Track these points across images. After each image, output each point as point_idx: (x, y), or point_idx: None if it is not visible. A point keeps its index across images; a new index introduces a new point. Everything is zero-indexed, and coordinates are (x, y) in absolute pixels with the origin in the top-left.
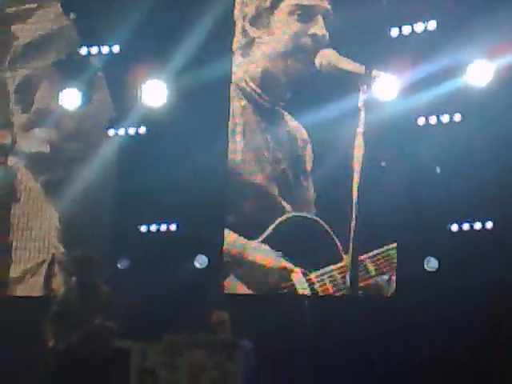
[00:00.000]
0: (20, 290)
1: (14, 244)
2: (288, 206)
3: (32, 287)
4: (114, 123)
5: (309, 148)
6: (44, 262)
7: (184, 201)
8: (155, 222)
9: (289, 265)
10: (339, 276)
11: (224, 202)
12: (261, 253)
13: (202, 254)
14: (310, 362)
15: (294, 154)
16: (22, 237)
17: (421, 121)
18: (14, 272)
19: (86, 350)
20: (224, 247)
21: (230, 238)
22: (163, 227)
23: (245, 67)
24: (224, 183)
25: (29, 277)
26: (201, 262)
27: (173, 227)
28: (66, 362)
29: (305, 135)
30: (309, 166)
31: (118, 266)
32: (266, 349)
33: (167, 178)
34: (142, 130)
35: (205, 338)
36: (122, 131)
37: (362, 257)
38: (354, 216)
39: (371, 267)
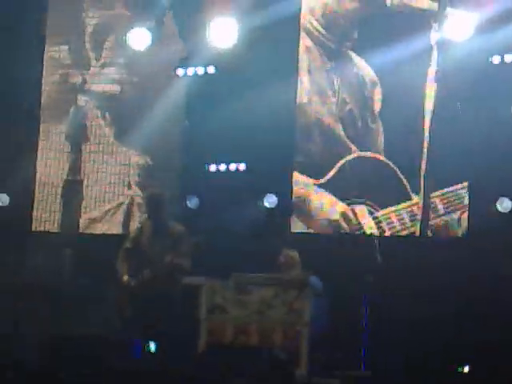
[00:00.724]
0: (99, 229)
1: (85, 183)
2: (354, 147)
3: (110, 227)
4: (183, 63)
5: (377, 89)
6: (122, 203)
7: (253, 140)
8: (224, 162)
9: (355, 204)
10: (407, 215)
11: (292, 142)
12: (327, 192)
13: (272, 193)
14: (378, 302)
15: (362, 95)
16: (95, 176)
17: (495, 59)
18: (90, 211)
19: (157, 287)
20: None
21: (297, 177)
22: (232, 166)
23: (310, 5)
24: (292, 123)
25: (108, 217)
26: (270, 201)
27: (242, 167)
28: (139, 297)
29: (373, 76)
30: (377, 108)
31: (188, 205)
32: (335, 288)
33: (236, 118)
34: (211, 69)
35: (274, 276)
36: (191, 71)
37: (431, 195)
38: (424, 155)
39: (440, 205)
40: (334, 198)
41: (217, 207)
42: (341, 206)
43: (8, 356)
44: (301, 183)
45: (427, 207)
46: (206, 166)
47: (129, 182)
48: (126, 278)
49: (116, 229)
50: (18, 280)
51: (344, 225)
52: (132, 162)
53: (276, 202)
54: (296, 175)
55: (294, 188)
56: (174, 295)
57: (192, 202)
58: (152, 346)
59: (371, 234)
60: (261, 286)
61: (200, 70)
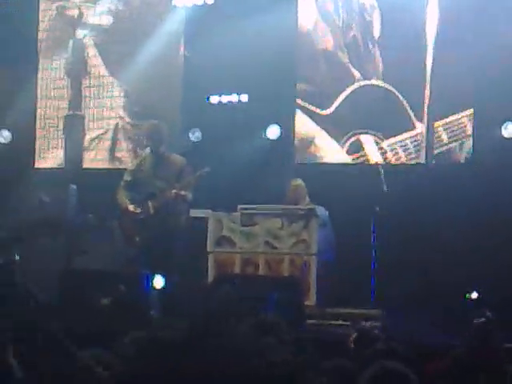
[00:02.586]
0: (88, 160)
1: (86, 117)
2: (358, 74)
3: (97, 154)
4: None
5: (376, 13)
6: (108, 130)
7: (254, 71)
8: (226, 93)
9: (361, 134)
10: (412, 144)
11: (295, 71)
12: (331, 123)
13: (275, 124)
14: (386, 230)
15: (363, 19)
16: (93, 109)
17: None
18: (86, 141)
19: (162, 219)
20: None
21: (302, 106)
22: (234, 98)
23: None
24: (294, 52)
25: (95, 144)
26: (273, 132)
27: (244, 98)
28: (144, 230)
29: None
30: (377, 33)
31: (190, 138)
32: (342, 217)
33: (236, 48)
34: None
35: (280, 207)
36: (189, 1)
37: (435, 124)
38: (428, 82)
39: (444, 135)
40: (339, 128)
41: (219, 139)
42: (348, 135)
43: (14, 291)
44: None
45: (430, 136)
46: (208, 97)
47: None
48: (131, 207)
49: (103, 155)
50: (22, 216)
51: (351, 154)
52: (128, 92)
53: (279, 132)
54: (300, 103)
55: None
56: (180, 227)
57: (194, 135)
58: (160, 281)
59: (376, 163)
60: (267, 218)
61: (199, 0)
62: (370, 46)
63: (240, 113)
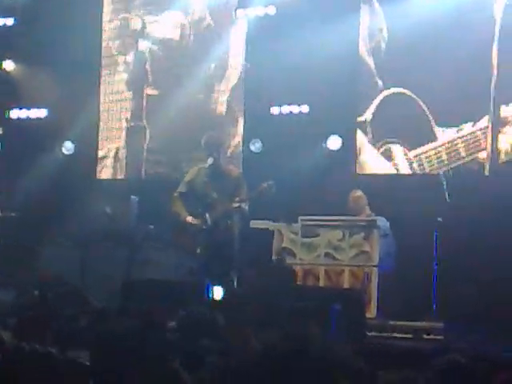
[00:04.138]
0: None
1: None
2: (390, 84)
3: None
4: (242, 4)
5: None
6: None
7: (315, 82)
8: (287, 104)
9: (391, 143)
10: (435, 156)
11: (354, 85)
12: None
13: (335, 134)
14: (448, 241)
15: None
16: (155, 119)
17: None
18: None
19: (222, 230)
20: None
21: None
22: (295, 109)
23: None
24: (355, 62)
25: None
26: (334, 143)
27: (305, 108)
28: (202, 239)
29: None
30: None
31: (251, 148)
32: (402, 228)
33: (297, 59)
34: (272, 10)
35: (341, 219)
36: (251, 12)
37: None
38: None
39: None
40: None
41: (280, 150)
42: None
43: (80, 302)
44: None
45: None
46: (269, 108)
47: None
48: (188, 219)
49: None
50: (84, 228)
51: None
52: (189, 106)
53: (340, 143)
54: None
55: None
56: (240, 239)
57: (255, 146)
58: (219, 291)
59: (438, 174)
60: (328, 229)
61: (260, 11)
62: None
63: (301, 123)
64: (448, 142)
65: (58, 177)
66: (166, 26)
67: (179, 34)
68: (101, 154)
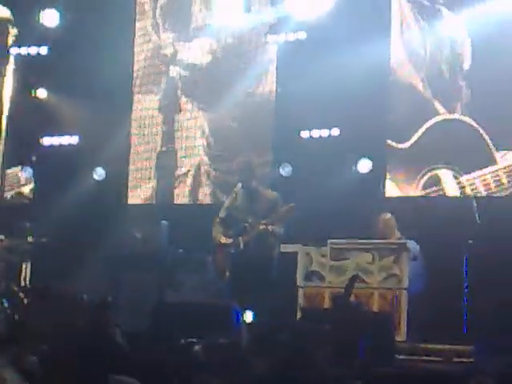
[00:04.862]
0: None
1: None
2: (441, 108)
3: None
4: (274, 30)
5: (467, 44)
6: (189, 171)
7: (345, 105)
8: (317, 128)
9: (439, 168)
10: (492, 179)
11: (385, 106)
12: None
13: (365, 157)
14: (477, 262)
15: (453, 51)
16: (182, 145)
17: None
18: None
19: (254, 254)
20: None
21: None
22: (325, 132)
23: None
24: (385, 86)
25: (177, 184)
26: (363, 166)
27: (335, 132)
28: (236, 265)
29: (464, 32)
30: (467, 64)
31: (281, 172)
32: (432, 250)
33: (327, 83)
34: (302, 35)
35: (370, 242)
36: (281, 37)
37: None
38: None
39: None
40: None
41: (310, 174)
42: (425, 169)
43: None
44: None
45: None
46: (299, 132)
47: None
48: (223, 242)
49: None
50: (117, 252)
51: (428, 189)
52: (212, 131)
53: (370, 166)
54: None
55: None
56: (271, 262)
57: (285, 170)
58: (249, 315)
59: (468, 195)
60: (357, 252)
61: (290, 36)
62: (458, 78)
63: (331, 147)
64: (509, 166)
65: (89, 202)
66: (196, 51)
67: (210, 59)
68: (131, 179)
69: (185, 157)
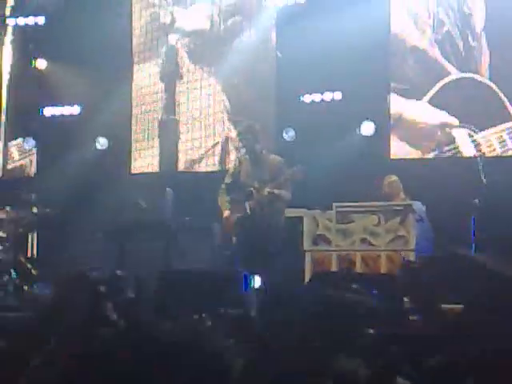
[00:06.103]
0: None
1: (180, 124)
2: (453, 69)
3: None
4: None
5: (479, 4)
6: (218, 143)
7: (347, 69)
8: (319, 92)
9: (453, 126)
10: (508, 136)
11: (387, 68)
12: (425, 114)
13: (368, 120)
14: (486, 224)
15: (461, 13)
16: (188, 114)
17: None
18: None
19: (259, 217)
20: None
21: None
22: (327, 96)
23: None
24: (386, 48)
25: (206, 158)
26: (367, 128)
27: (337, 95)
28: (242, 231)
29: None
30: (480, 25)
31: (285, 137)
32: (437, 212)
33: (328, 47)
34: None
35: (376, 204)
36: (279, 1)
37: None
38: None
39: None
40: (432, 120)
41: (313, 138)
42: (440, 127)
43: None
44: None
45: None
46: (301, 96)
47: (222, 119)
48: (230, 209)
49: (215, 166)
50: (122, 221)
51: (442, 147)
52: (224, 97)
53: (373, 129)
54: (394, 98)
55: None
56: (277, 227)
57: (288, 134)
58: (257, 281)
59: (474, 156)
60: (363, 215)
61: (290, 0)
62: (469, 39)
63: (333, 111)
64: None
65: (92, 172)
66: (195, 17)
67: (209, 25)
68: (134, 148)
69: (193, 123)
